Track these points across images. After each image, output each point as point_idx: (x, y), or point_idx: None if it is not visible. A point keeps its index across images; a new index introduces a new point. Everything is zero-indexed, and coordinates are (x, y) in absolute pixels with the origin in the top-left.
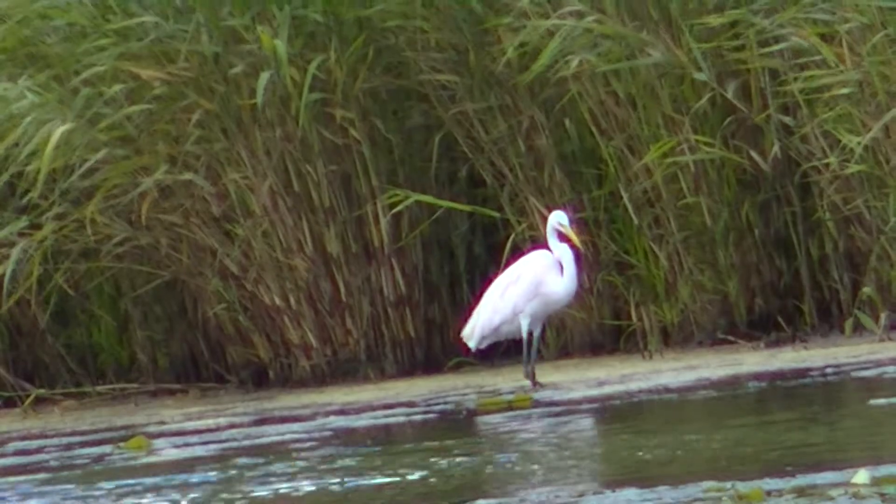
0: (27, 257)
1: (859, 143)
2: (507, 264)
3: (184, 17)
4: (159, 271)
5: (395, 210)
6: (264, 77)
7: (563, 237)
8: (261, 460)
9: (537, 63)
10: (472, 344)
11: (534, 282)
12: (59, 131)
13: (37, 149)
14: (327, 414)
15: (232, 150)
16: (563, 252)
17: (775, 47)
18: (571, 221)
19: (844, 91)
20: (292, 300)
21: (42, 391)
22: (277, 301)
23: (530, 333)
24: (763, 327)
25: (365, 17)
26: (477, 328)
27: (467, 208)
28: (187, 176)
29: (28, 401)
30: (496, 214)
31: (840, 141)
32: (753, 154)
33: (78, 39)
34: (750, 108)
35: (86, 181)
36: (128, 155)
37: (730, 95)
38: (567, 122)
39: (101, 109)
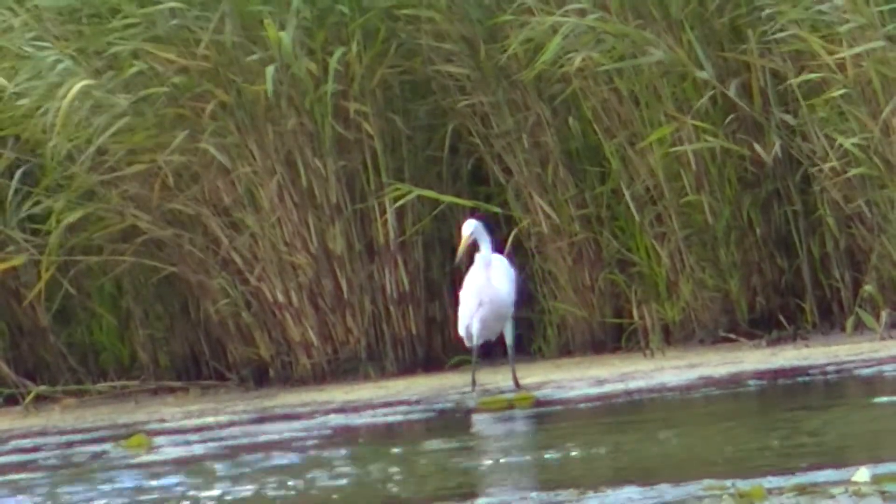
0: (36, 260)
1: (854, 144)
2: (509, 260)
3: (209, 6)
4: (166, 265)
5: (398, 204)
6: (271, 70)
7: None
8: (258, 458)
9: (540, 59)
10: (466, 343)
11: (475, 290)
12: (78, 85)
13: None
14: (327, 412)
15: (244, 143)
16: (491, 260)
17: (776, 46)
18: (478, 234)
19: (843, 91)
20: (294, 297)
21: (43, 388)
22: (280, 298)
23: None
24: (764, 325)
25: (386, 6)
26: (460, 331)
27: (470, 203)
28: (204, 145)
29: (29, 398)
30: (498, 210)
31: (842, 143)
32: (757, 147)
33: (107, 18)
34: (751, 107)
35: (105, 158)
36: (148, 128)
37: (731, 94)
38: (570, 119)
39: (121, 89)
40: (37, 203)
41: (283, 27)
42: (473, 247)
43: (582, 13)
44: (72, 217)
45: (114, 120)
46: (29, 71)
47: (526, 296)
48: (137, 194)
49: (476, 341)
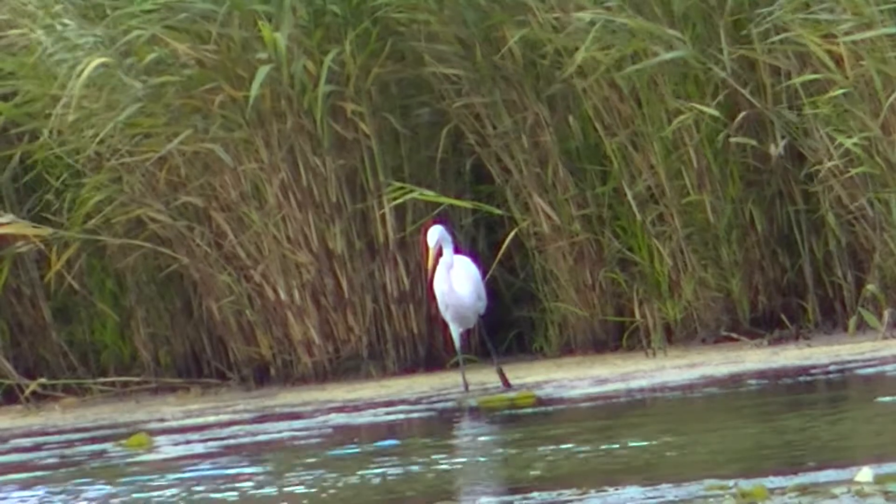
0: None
1: (854, 144)
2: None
3: (217, 1)
4: (176, 256)
5: (396, 202)
6: (263, 71)
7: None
8: (259, 457)
9: (577, 56)
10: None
11: (439, 295)
12: (97, 60)
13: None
14: (328, 411)
15: (251, 138)
16: (452, 263)
17: (779, 45)
18: (442, 239)
19: (843, 90)
20: (297, 296)
21: (43, 380)
22: (282, 296)
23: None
24: (766, 325)
25: (378, 6)
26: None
27: (469, 205)
28: (210, 145)
29: (29, 390)
30: (498, 212)
31: (843, 142)
32: (771, 144)
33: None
34: (763, 104)
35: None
36: (160, 115)
37: (746, 93)
38: (570, 118)
39: (139, 74)
40: (41, 196)
41: (276, 28)
42: (440, 252)
43: (580, 10)
44: (98, 197)
45: (130, 103)
46: (53, 46)
47: (527, 295)
48: (150, 183)
49: (456, 339)
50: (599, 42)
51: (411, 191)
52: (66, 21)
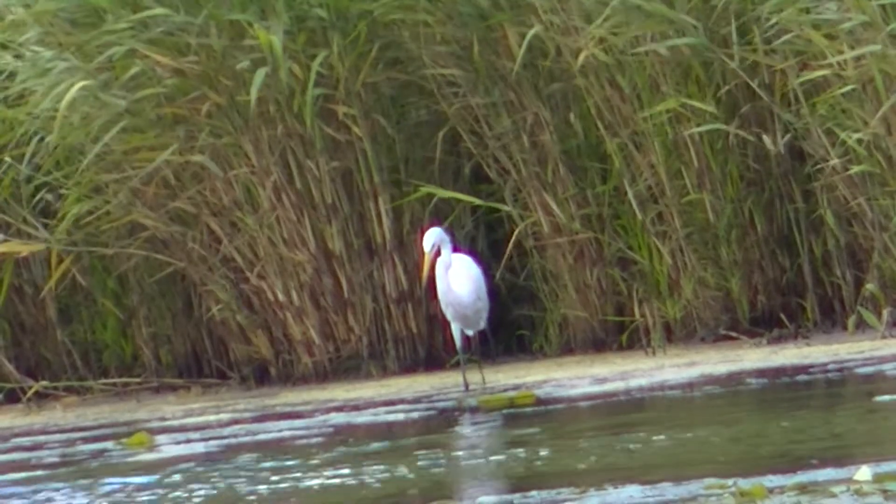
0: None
1: (859, 141)
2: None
3: (193, 10)
4: (173, 261)
5: (431, 203)
6: (261, 73)
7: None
8: (258, 456)
9: (590, 28)
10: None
11: (440, 296)
12: (78, 84)
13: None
14: (328, 410)
15: (239, 145)
16: (450, 263)
17: (780, 45)
18: (440, 240)
19: (845, 88)
20: (295, 296)
21: (45, 383)
22: (280, 297)
23: (461, 332)
24: (765, 324)
25: (367, 10)
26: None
27: (477, 201)
28: (197, 158)
29: (30, 392)
30: (506, 207)
31: (843, 140)
32: (766, 138)
33: (97, 21)
34: (770, 100)
35: (105, 158)
36: (145, 130)
37: (755, 85)
38: (572, 117)
39: (119, 90)
40: (42, 193)
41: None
42: (438, 254)
43: (582, 8)
44: (79, 208)
45: (114, 118)
46: (28, 70)
47: (527, 295)
48: (141, 191)
49: (457, 338)
50: (610, 21)
51: (428, 193)
52: (36, 49)
